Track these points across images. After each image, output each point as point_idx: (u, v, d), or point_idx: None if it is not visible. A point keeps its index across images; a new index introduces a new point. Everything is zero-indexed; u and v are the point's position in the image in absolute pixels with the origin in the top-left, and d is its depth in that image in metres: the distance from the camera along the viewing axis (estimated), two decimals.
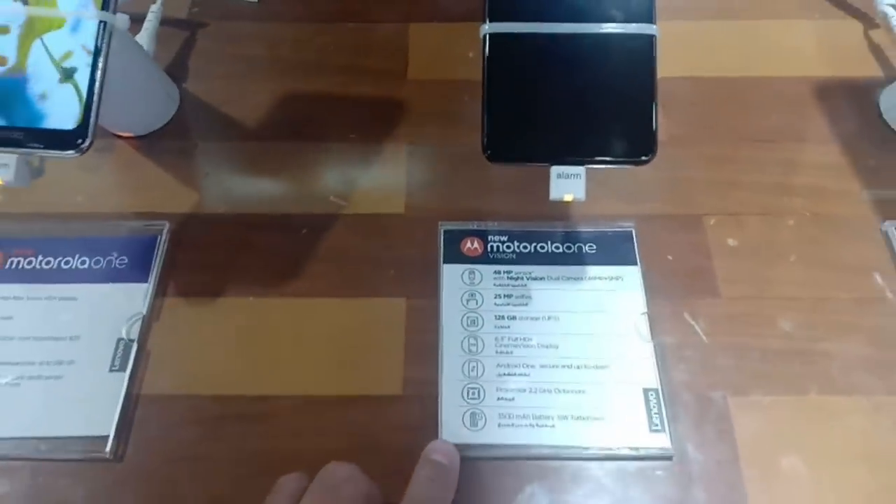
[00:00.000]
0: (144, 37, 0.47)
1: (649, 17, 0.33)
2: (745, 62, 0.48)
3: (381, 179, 0.44)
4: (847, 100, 0.47)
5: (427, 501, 0.29)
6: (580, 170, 0.32)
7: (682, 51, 0.49)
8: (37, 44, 0.34)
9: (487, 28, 0.33)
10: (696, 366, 0.37)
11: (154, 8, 0.48)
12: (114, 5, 0.34)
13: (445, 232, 0.41)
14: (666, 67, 0.45)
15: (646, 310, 0.38)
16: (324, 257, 0.41)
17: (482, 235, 0.41)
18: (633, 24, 0.33)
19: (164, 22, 0.49)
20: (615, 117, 0.32)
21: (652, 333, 0.37)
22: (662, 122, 0.45)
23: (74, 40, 0.33)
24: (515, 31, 0.33)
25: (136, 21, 0.46)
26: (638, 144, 0.32)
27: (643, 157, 0.32)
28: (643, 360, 0.36)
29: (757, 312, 0.38)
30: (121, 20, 0.35)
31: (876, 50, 0.49)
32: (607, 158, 0.32)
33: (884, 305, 0.39)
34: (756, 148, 0.45)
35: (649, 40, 0.33)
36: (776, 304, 0.39)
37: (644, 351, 0.37)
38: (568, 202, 0.32)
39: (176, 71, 0.48)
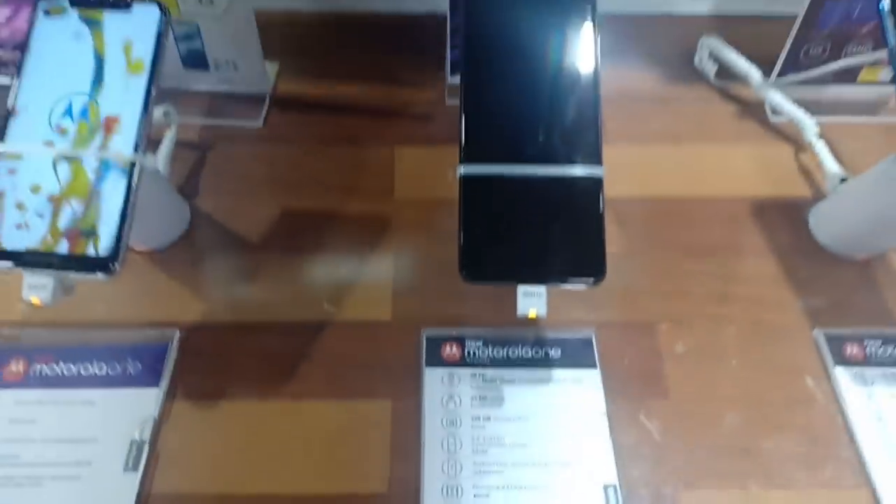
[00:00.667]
0: (160, 160, 0.52)
1: (598, 161, 0.39)
2: (691, 183, 0.55)
3: (369, 288, 0.49)
4: (780, 217, 0.53)
5: None
6: (542, 289, 0.38)
7: (636, 174, 0.56)
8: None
9: (462, 170, 0.39)
10: (650, 462, 0.41)
11: (169, 134, 0.54)
12: (143, 148, 0.40)
13: (427, 338, 0.46)
14: (622, 189, 0.53)
15: (605, 410, 0.43)
16: (317, 361, 0.45)
17: (460, 341, 0.46)
18: (583, 167, 0.39)
19: (178, 144, 0.55)
20: (571, 245, 0.38)
21: (611, 432, 0.42)
22: (618, 238, 0.51)
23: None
24: (485, 172, 0.39)
25: (153, 143, 0.52)
26: (590, 268, 0.38)
27: (594, 279, 0.37)
28: (603, 457, 0.41)
29: (703, 412, 0.43)
30: (149, 160, 0.40)
31: (805, 172, 0.56)
32: (565, 279, 0.38)
33: (814, 405, 0.44)
34: (700, 261, 0.50)
35: (598, 180, 0.39)
36: (720, 405, 0.44)
37: (604, 449, 0.41)
38: (532, 318, 0.38)
39: (187, 189, 0.54)
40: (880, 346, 0.46)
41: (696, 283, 0.49)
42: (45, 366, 0.44)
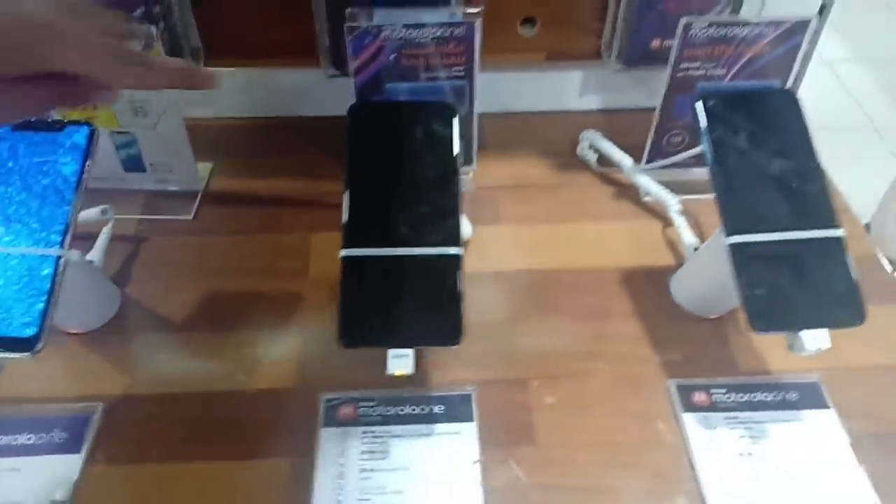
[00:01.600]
0: (96, 252, 0.59)
1: (456, 242, 0.46)
2: (571, 257, 0.63)
3: (278, 360, 0.55)
4: (646, 283, 0.61)
5: None
6: (409, 351, 0.44)
7: (525, 250, 0.63)
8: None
9: (343, 253, 0.46)
10: (515, 502, 0.47)
11: (106, 230, 0.61)
12: (68, 243, 0.47)
13: (326, 400, 0.51)
14: (511, 263, 0.60)
15: (478, 458, 0.48)
16: (227, 426, 0.51)
17: (355, 402, 0.51)
18: (443, 248, 0.46)
19: (116, 237, 0.62)
20: (432, 314, 0.45)
21: (483, 478, 0.47)
22: (504, 306, 0.58)
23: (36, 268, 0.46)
24: (361, 254, 0.46)
25: (90, 238, 0.59)
26: (448, 334, 0.44)
27: (452, 344, 0.44)
28: (473, 500, 0.46)
29: (563, 457, 0.49)
30: (73, 255, 0.47)
31: (669, 243, 0.64)
32: (427, 343, 0.45)
33: (663, 447, 0.50)
34: (574, 324, 0.57)
35: (456, 258, 0.46)
36: (579, 449, 0.49)
37: (474, 493, 0.47)
38: (400, 376, 0.44)
39: (120, 277, 0.61)
40: (725, 394, 0.52)
41: (569, 343, 0.56)
42: None
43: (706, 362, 0.55)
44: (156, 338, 0.57)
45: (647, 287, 0.60)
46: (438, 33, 0.59)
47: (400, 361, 0.44)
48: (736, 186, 0.48)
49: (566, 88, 0.75)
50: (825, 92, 2.21)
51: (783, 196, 0.48)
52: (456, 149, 0.49)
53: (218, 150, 0.72)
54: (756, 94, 0.52)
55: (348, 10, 0.58)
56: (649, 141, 0.66)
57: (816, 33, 0.68)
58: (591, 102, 0.77)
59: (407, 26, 0.59)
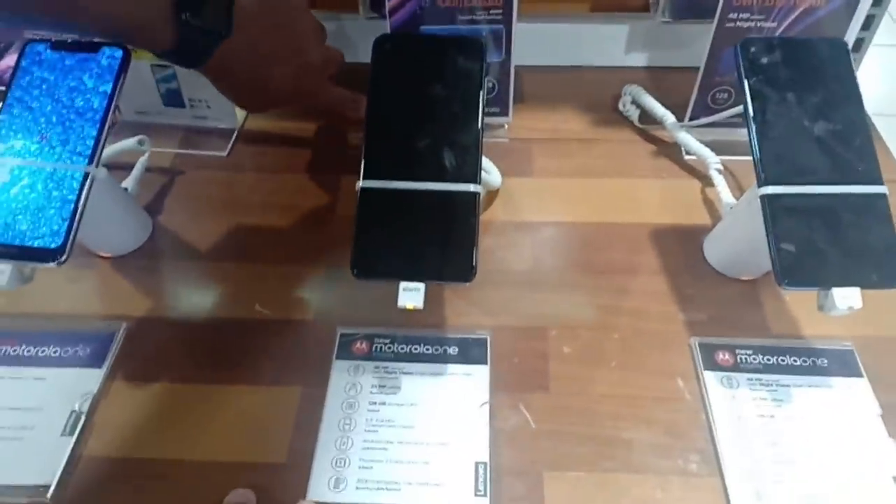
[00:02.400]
0: (130, 181, 0.60)
1: (475, 179, 0.45)
2: (603, 212, 0.61)
3: (300, 294, 0.55)
4: (678, 242, 0.58)
5: None
6: (420, 286, 0.44)
7: (557, 203, 0.62)
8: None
9: (361, 184, 0.46)
10: (522, 446, 0.46)
11: (142, 160, 0.63)
12: (96, 161, 0.47)
13: (341, 335, 0.52)
14: (542, 215, 0.59)
15: (487, 400, 0.48)
16: (242, 353, 0.51)
17: (370, 339, 0.51)
18: (462, 185, 0.45)
19: (152, 169, 0.64)
20: (447, 250, 0.44)
21: (491, 419, 0.47)
22: (530, 257, 0.57)
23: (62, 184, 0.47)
24: (380, 186, 0.46)
25: (127, 168, 0.61)
26: (461, 271, 0.43)
27: (464, 280, 0.43)
28: (479, 439, 0.46)
29: (576, 406, 0.48)
30: (101, 172, 0.48)
31: (707, 203, 0.62)
32: (440, 278, 0.44)
33: (681, 403, 0.48)
34: (598, 278, 0.56)
35: (473, 195, 0.45)
36: (593, 400, 0.48)
37: (481, 432, 0.46)
38: (411, 309, 0.43)
39: (154, 207, 0.62)
40: (751, 355, 0.50)
41: (592, 296, 0.55)
42: (8, 347, 0.51)
43: (735, 324, 0.53)
44: (182, 265, 0.58)
45: (679, 245, 0.58)
46: None
47: (410, 295, 0.43)
48: (774, 136, 0.45)
49: (611, 42, 0.73)
50: None
51: (824, 149, 0.45)
52: (483, 85, 0.48)
53: None
54: (803, 43, 0.49)
55: None
56: (693, 97, 0.64)
57: None
58: (638, 58, 0.74)
59: None
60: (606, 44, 0.73)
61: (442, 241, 0.44)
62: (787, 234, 0.43)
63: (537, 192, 0.64)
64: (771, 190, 0.44)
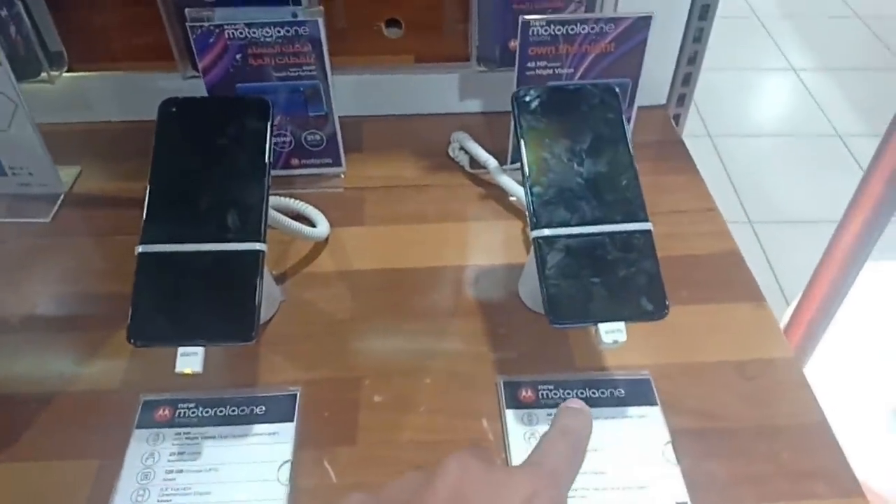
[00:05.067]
0: None
1: (259, 237, 0.46)
2: (427, 256, 0.62)
3: (104, 361, 0.54)
4: (497, 282, 0.60)
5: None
6: (198, 350, 0.43)
7: (382, 250, 0.63)
8: None
9: (139, 248, 0.46)
10: (321, 502, 0.46)
11: None
12: None
13: (144, 402, 0.50)
14: (364, 263, 0.60)
15: (290, 459, 0.47)
16: (42, 427, 0.50)
17: (173, 404, 0.50)
18: (246, 243, 0.46)
19: None
20: (228, 311, 0.44)
21: (291, 478, 0.46)
22: (349, 306, 0.58)
23: None
24: (158, 250, 0.46)
25: None
26: (240, 331, 0.44)
27: (244, 341, 0.43)
28: (277, 501, 0.45)
29: (381, 455, 0.48)
30: None
31: (527, 243, 0.64)
32: (217, 341, 0.44)
33: (484, 444, 0.49)
34: (417, 322, 0.57)
35: (257, 254, 0.45)
36: (399, 447, 0.49)
37: (278, 494, 0.46)
38: (189, 374, 0.43)
39: None
40: (552, 390, 0.51)
41: (409, 342, 0.56)
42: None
43: (542, 360, 0.54)
44: None
45: (498, 285, 0.60)
46: (282, 32, 0.59)
47: (188, 359, 0.43)
48: (544, 181, 0.48)
49: (439, 90, 0.75)
50: (791, 99, 2.24)
51: (592, 190, 0.47)
52: (268, 143, 0.49)
53: (86, 153, 0.71)
54: (575, 90, 0.52)
55: (187, 10, 0.58)
56: (511, 141, 0.66)
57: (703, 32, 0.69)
58: (465, 105, 0.76)
59: (249, 25, 0.58)
60: (435, 92, 0.75)
61: (223, 301, 0.45)
62: (557, 273, 0.45)
63: (367, 239, 0.65)
64: (541, 233, 0.46)
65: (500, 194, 0.68)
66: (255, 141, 0.49)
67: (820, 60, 2.36)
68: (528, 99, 0.50)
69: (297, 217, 0.62)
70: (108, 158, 0.72)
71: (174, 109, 0.49)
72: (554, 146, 0.49)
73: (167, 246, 0.46)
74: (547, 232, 0.46)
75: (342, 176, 0.70)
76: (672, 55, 0.75)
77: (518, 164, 0.58)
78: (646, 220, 0.47)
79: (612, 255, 0.46)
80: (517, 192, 0.65)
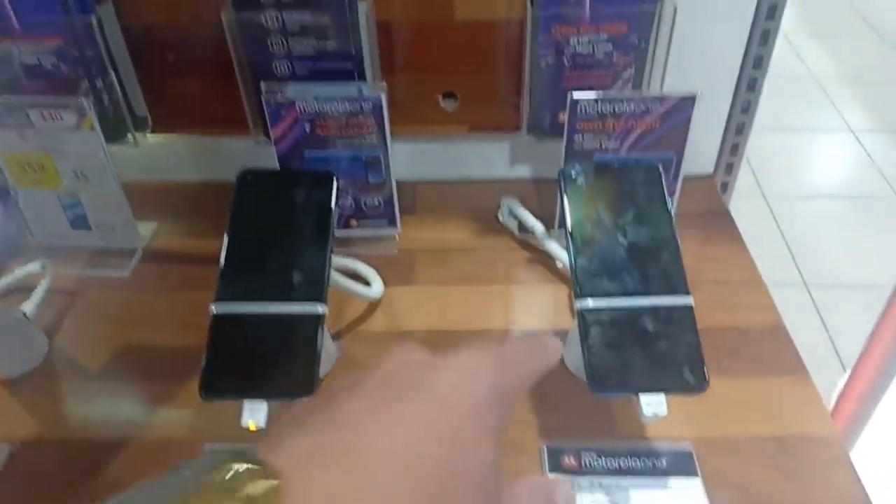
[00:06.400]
0: (30, 304, 0.64)
1: (321, 298, 0.49)
2: (474, 319, 0.65)
3: (175, 410, 0.58)
4: (544, 347, 0.62)
5: None
6: (262, 404, 0.47)
7: (429, 311, 0.66)
8: None
9: (212, 308, 0.50)
10: None
11: (43, 283, 0.66)
12: None
13: (208, 451, 0.54)
14: (413, 322, 0.63)
15: None
16: (114, 479, 0.53)
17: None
18: (309, 304, 0.49)
19: (55, 291, 0.67)
20: (290, 368, 0.48)
21: None
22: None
23: None
24: (230, 311, 0.50)
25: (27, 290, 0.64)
26: (302, 387, 0.47)
27: (306, 396, 0.46)
28: None
29: None
30: None
31: (572, 309, 0.66)
32: (278, 396, 0.47)
33: None
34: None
35: (317, 317, 0.49)
36: None
37: None
38: (253, 429, 0.46)
39: (51, 328, 0.65)
40: (595, 458, 0.53)
41: None
42: None
43: (585, 426, 0.55)
44: (66, 388, 0.60)
45: (544, 350, 0.62)
46: (348, 106, 0.64)
47: (253, 413, 0.46)
48: (590, 253, 0.50)
49: (491, 158, 0.79)
50: (848, 160, 2.22)
51: (636, 263, 0.50)
52: (332, 212, 0.53)
53: (162, 210, 0.77)
54: (621, 168, 0.54)
55: (263, 84, 0.63)
56: (558, 208, 0.69)
57: (747, 112, 0.72)
58: (515, 171, 0.80)
59: (318, 100, 0.63)
60: (487, 159, 0.79)
61: (286, 359, 0.48)
62: (599, 343, 0.47)
63: (418, 300, 0.68)
64: (585, 304, 0.48)
65: (547, 259, 0.71)
66: (321, 210, 0.53)
67: (878, 121, 2.34)
68: (574, 175, 0.53)
69: (354, 275, 0.66)
70: (182, 216, 0.78)
71: (250, 178, 0.54)
72: (598, 220, 0.51)
73: (239, 305, 0.49)
74: (591, 303, 0.48)
75: (397, 237, 0.74)
76: (719, 127, 0.77)
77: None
78: (686, 293, 0.48)
79: (653, 327, 0.47)
80: (563, 257, 0.68)
